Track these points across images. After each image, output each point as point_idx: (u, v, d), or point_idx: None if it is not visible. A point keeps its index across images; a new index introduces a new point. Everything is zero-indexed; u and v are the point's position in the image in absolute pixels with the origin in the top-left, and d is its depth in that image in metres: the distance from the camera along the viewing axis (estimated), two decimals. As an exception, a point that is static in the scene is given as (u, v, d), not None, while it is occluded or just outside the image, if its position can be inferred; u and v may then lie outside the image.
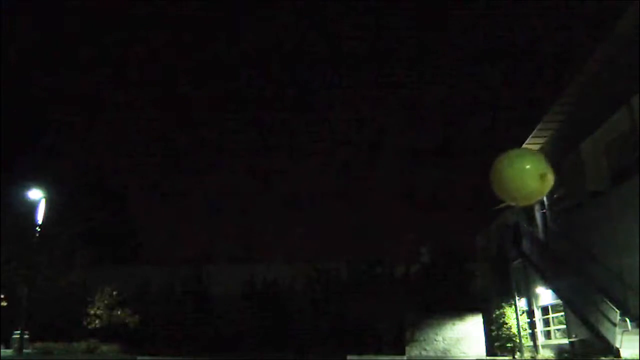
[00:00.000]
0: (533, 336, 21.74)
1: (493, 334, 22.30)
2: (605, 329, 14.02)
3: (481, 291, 23.92)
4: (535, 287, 21.26)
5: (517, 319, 21.41)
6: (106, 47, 65.13)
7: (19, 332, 17.80)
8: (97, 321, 21.27)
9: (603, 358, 13.47)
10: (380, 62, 69.78)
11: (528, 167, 4.13)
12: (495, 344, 22.14)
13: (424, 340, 21.98)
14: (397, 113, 68.23)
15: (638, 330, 13.21)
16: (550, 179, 4.09)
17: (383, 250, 30.30)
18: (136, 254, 35.72)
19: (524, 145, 21.59)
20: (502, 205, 17.61)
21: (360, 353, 20.71)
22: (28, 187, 19.90)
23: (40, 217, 19.55)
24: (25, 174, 23.87)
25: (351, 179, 65.34)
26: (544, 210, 21.56)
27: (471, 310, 22.34)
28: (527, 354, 20.74)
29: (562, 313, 18.92)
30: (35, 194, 19.79)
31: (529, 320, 22.18)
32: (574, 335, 17.45)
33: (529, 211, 22.89)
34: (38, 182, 20.44)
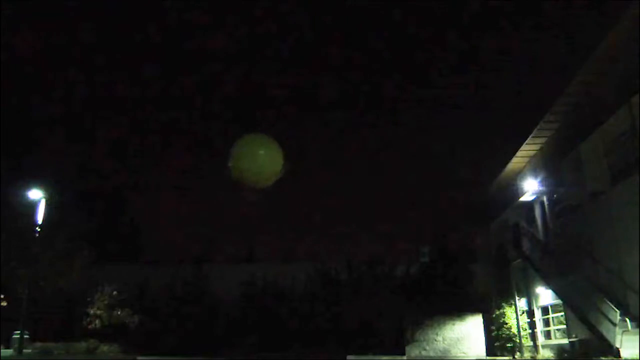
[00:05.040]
0: (533, 336, 21.74)
1: (493, 334, 22.28)
2: (605, 329, 14.02)
3: (481, 291, 23.90)
4: (535, 287, 21.26)
5: (517, 319, 21.40)
6: (105, 46, 65.14)
7: (19, 332, 17.80)
8: (97, 321, 21.23)
9: (603, 358, 13.47)
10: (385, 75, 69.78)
11: (262, 151, 4.58)
12: (495, 344, 22.12)
13: (424, 340, 21.96)
14: (397, 115, 68.24)
15: (638, 330, 13.22)
16: (275, 166, 4.56)
17: (383, 250, 30.31)
18: (136, 254, 35.65)
19: (523, 145, 21.65)
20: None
21: (360, 353, 20.68)
22: (28, 187, 19.87)
23: (40, 217, 19.52)
24: (25, 174, 23.84)
25: (351, 179, 65.31)
26: (545, 211, 21.56)
27: (471, 310, 22.31)
28: (527, 354, 20.74)
29: (562, 313, 18.92)
30: (35, 194, 19.75)
31: (529, 320, 22.17)
32: (574, 335, 17.44)
33: (528, 211, 22.90)
34: (38, 182, 20.41)
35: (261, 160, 4.46)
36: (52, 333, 20.50)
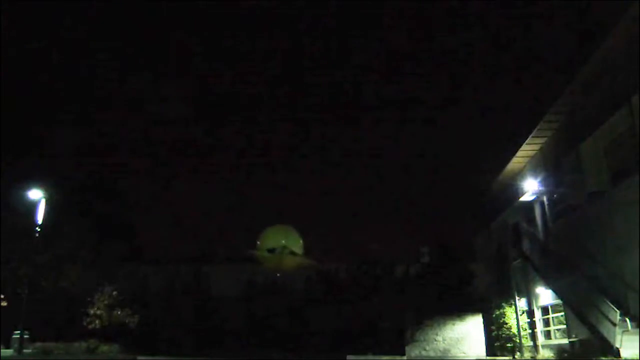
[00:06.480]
0: (533, 336, 21.73)
1: (493, 334, 22.29)
2: (605, 329, 14.02)
3: (481, 291, 23.92)
4: (535, 287, 21.25)
5: (517, 319, 21.39)
6: (105, 46, 65.09)
7: (19, 332, 17.81)
8: (97, 321, 21.22)
9: (603, 358, 13.47)
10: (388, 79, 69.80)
11: (283, 241, 5.14)
12: (495, 344, 22.13)
13: (424, 340, 21.97)
14: (397, 116, 68.22)
15: (638, 330, 13.21)
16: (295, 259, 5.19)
17: (383, 250, 30.30)
18: (136, 253, 35.61)
19: (523, 145, 21.64)
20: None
21: (360, 353, 20.70)
22: (28, 187, 19.87)
23: (40, 217, 19.52)
24: (25, 174, 23.83)
25: (352, 179, 65.34)
26: (544, 211, 21.55)
27: (471, 310, 22.33)
28: (527, 354, 20.73)
29: (562, 313, 18.91)
30: (35, 194, 19.76)
31: (529, 320, 22.16)
32: (574, 335, 17.44)
33: (528, 211, 22.90)
34: (38, 182, 20.41)
35: (283, 256, 5.00)
36: (52, 333, 20.50)
